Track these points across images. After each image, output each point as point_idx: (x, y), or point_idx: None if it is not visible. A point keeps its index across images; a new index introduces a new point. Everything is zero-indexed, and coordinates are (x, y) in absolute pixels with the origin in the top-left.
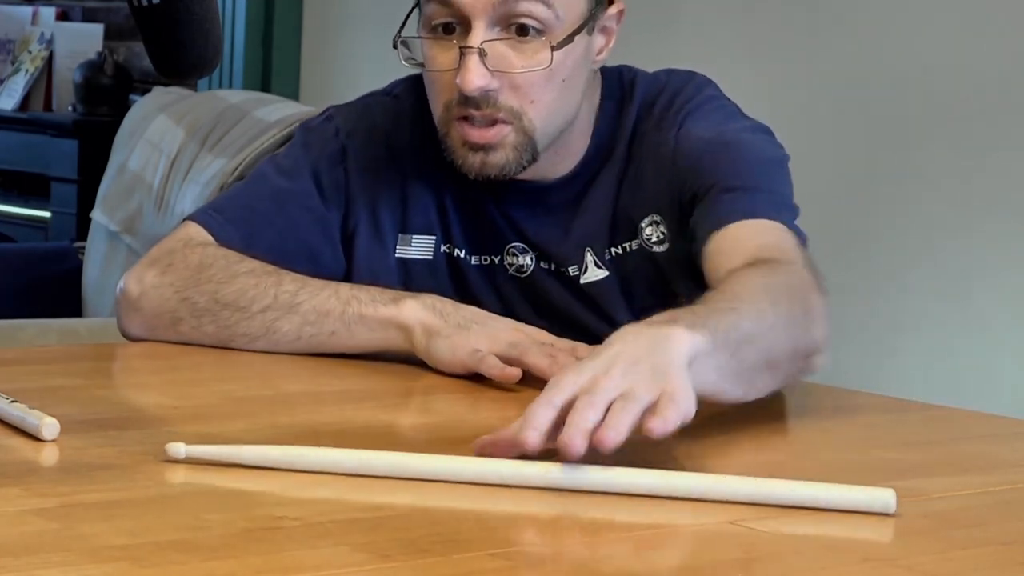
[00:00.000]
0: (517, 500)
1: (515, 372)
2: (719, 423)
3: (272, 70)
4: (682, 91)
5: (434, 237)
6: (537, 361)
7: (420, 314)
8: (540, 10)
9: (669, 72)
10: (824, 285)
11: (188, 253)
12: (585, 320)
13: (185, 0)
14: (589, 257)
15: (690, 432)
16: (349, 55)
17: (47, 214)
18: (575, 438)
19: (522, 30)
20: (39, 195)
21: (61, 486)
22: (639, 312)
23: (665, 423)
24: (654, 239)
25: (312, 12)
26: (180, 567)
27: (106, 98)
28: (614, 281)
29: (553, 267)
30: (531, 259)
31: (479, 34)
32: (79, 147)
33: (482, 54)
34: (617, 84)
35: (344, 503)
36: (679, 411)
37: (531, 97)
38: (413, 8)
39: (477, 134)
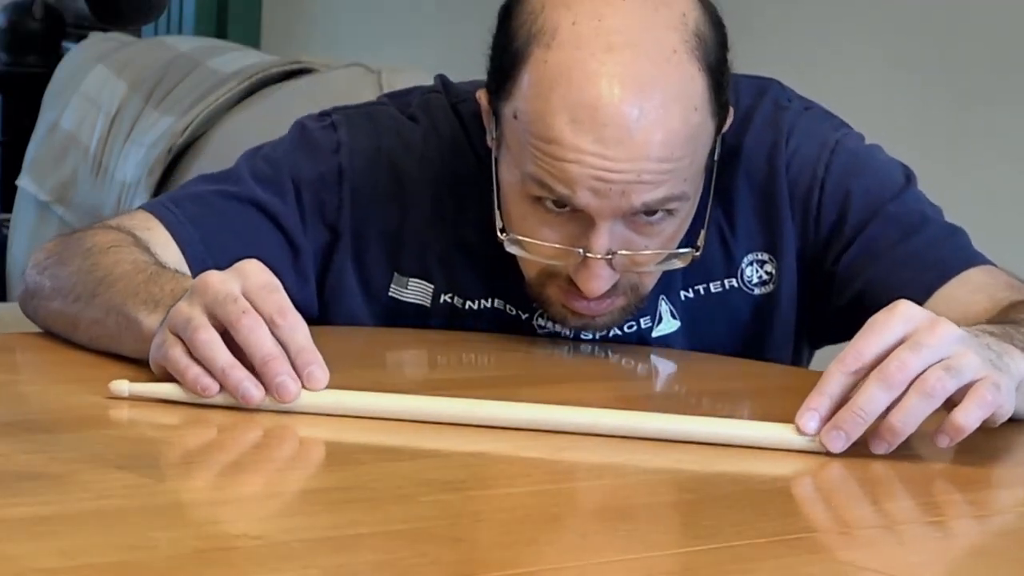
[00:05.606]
0: (507, 517)
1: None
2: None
3: (229, 13)
4: (759, 106)
5: (432, 285)
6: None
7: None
8: (678, 191)
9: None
10: None
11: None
12: None
13: None
14: (664, 306)
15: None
16: None
17: None
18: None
19: (651, 211)
20: None
21: None
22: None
23: (967, 416)
24: (755, 280)
25: None
26: None
27: (35, 46)
28: (684, 332)
29: (600, 334)
30: (571, 331)
31: (604, 237)
32: (3, 103)
33: (609, 257)
34: None
35: (312, 520)
36: (994, 403)
37: (651, 268)
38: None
39: (585, 307)
